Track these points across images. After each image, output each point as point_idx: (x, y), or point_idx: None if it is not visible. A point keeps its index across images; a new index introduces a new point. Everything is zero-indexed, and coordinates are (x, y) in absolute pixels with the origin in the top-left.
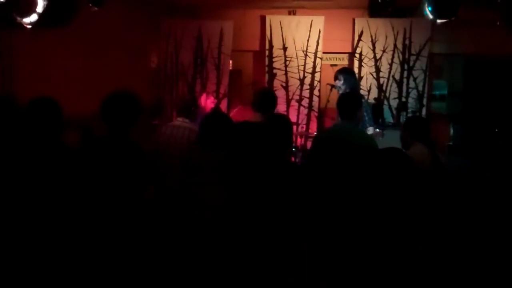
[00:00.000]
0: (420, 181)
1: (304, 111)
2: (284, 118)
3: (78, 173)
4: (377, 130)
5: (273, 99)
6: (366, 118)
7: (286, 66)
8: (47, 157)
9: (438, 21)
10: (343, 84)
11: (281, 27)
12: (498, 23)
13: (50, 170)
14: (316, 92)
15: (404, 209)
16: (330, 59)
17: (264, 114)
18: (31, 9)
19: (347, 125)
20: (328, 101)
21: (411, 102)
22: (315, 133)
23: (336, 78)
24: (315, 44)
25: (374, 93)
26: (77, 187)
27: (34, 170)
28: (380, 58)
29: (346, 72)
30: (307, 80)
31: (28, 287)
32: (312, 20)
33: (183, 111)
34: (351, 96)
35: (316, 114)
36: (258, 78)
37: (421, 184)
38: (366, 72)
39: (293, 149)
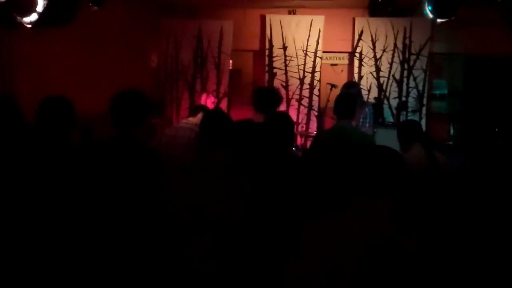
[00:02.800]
0: (412, 180)
1: (304, 110)
2: (286, 116)
3: (88, 172)
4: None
5: (274, 98)
6: (367, 124)
7: (286, 65)
8: (58, 157)
9: (438, 20)
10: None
11: (281, 27)
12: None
13: (61, 169)
14: (316, 91)
15: (395, 206)
16: (330, 58)
17: (265, 113)
18: (31, 9)
19: (347, 125)
20: (328, 100)
21: (411, 102)
22: (315, 132)
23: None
24: (315, 43)
25: (374, 93)
26: (86, 186)
27: (46, 169)
28: (380, 57)
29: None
30: (307, 80)
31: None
32: (312, 20)
33: (190, 112)
34: (347, 97)
35: (316, 113)
36: (258, 77)
37: (414, 183)
38: (366, 72)
39: (293, 148)
